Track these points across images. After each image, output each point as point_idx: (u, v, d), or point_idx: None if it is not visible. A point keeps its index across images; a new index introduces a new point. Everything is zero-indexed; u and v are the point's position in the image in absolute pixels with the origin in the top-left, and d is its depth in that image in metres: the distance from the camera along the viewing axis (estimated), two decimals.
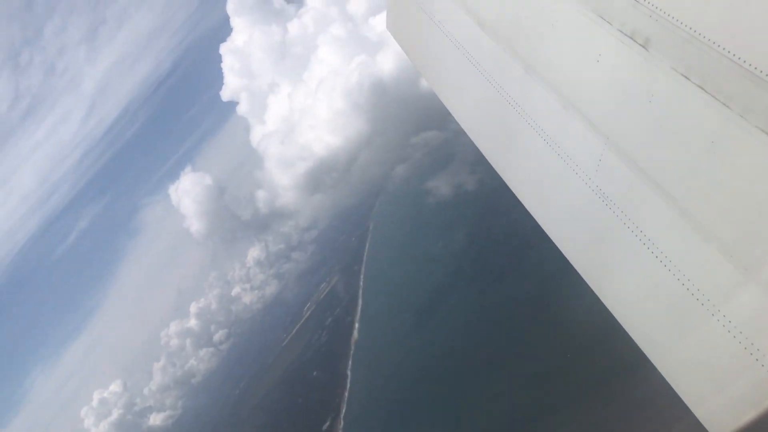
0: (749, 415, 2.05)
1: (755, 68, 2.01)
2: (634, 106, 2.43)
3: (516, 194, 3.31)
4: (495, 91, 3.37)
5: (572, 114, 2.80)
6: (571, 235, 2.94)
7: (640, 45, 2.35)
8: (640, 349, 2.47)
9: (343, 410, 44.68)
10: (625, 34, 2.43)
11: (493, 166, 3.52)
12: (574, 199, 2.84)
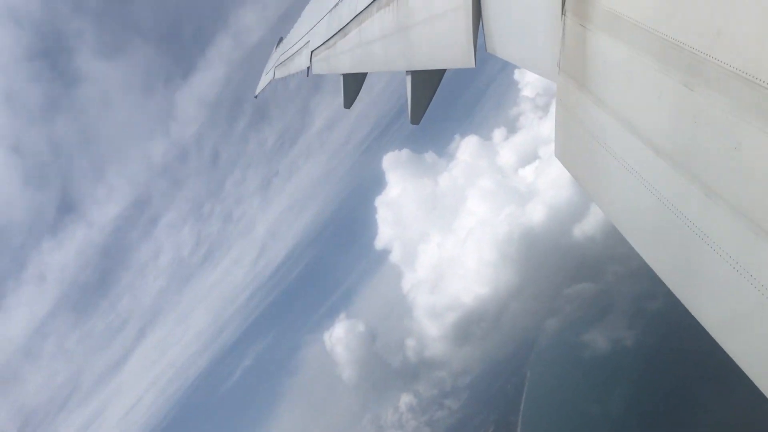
0: None
1: None
2: None
3: (702, 323, 3.03)
4: (675, 217, 3.22)
5: (765, 242, 2.60)
6: None
7: None
8: None
9: None
10: None
11: (675, 293, 3.28)
12: None
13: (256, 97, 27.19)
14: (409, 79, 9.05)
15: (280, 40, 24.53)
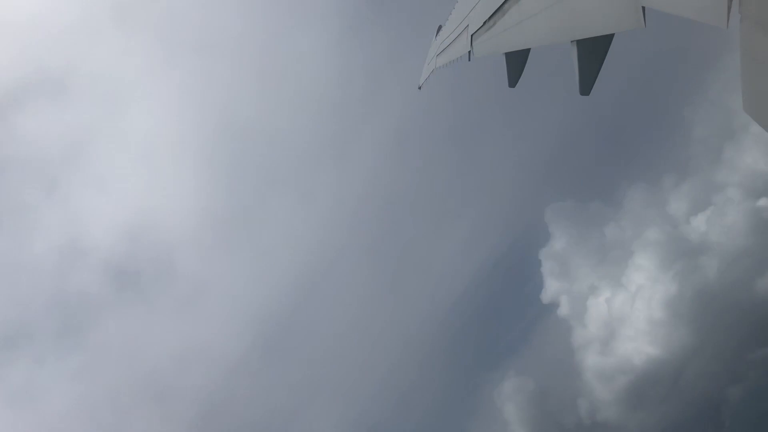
0: None
1: None
2: None
3: None
4: None
5: None
6: None
7: None
8: None
9: None
10: None
11: None
12: None
13: (419, 88, 27.67)
14: (574, 50, 8.70)
15: (439, 28, 24.71)
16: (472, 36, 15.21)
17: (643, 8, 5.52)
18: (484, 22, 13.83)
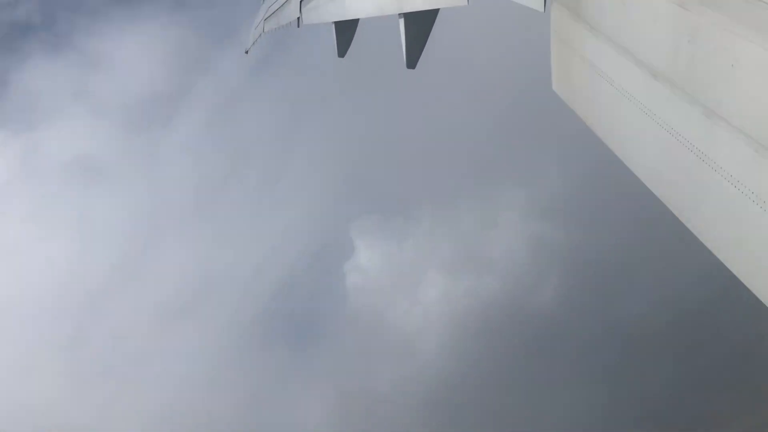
0: None
1: None
2: None
3: (707, 245, 3.06)
4: (675, 140, 3.23)
5: (764, 157, 2.60)
6: None
7: None
8: None
9: None
10: None
11: (679, 217, 3.31)
12: None
13: (246, 52, 26.69)
14: (402, 22, 8.89)
15: None
16: (301, 2, 14.91)
17: None
18: None
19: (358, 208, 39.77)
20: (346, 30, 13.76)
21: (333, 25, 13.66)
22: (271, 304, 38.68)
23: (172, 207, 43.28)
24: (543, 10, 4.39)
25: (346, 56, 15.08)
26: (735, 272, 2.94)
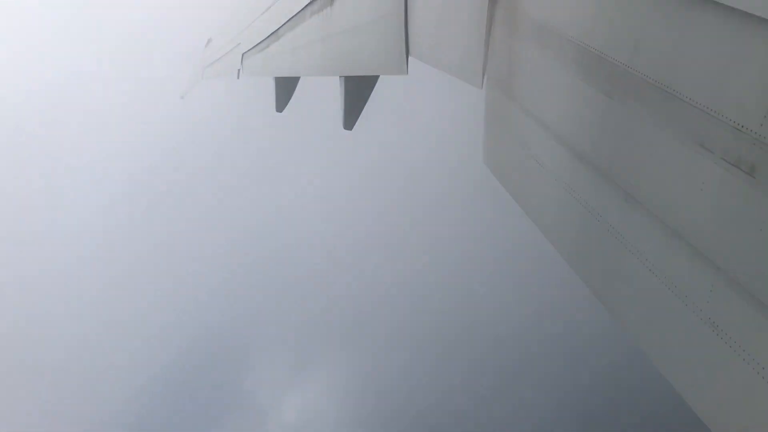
0: None
1: None
2: (744, 234, 2.34)
3: (623, 327, 3.20)
4: (595, 220, 3.37)
5: (678, 243, 2.72)
6: (682, 367, 2.80)
7: (746, 173, 2.30)
8: None
9: None
10: (729, 162, 2.36)
11: (598, 297, 3.44)
12: (683, 329, 2.72)
13: (182, 97, 26.43)
14: (342, 84, 9.04)
15: (209, 41, 24.00)
16: (243, 54, 14.97)
17: (407, 57, 5.94)
18: (257, 43, 13.71)
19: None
20: (286, 86, 13.86)
21: (273, 80, 13.73)
22: None
23: None
24: (481, 87, 4.55)
25: (284, 111, 15.15)
26: (651, 357, 3.01)
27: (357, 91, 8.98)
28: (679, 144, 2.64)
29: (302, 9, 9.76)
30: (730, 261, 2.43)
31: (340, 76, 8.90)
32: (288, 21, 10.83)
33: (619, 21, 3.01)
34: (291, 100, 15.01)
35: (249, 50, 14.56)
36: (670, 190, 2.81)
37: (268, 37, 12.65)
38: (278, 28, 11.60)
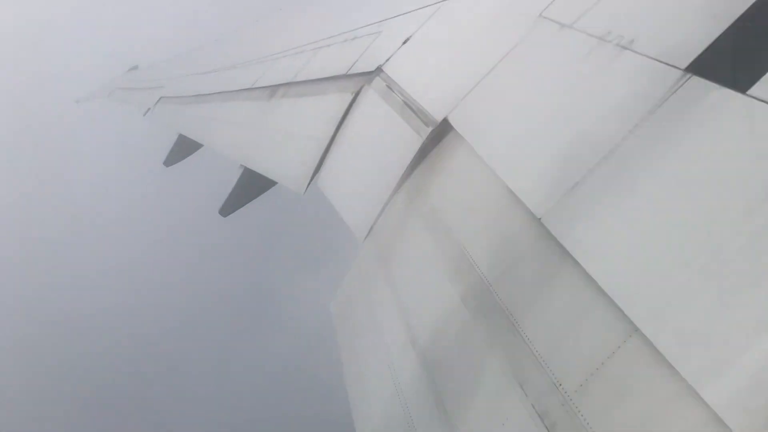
0: None
1: None
2: None
3: None
4: (402, 411, 3.41)
5: None
6: None
7: (546, 427, 2.41)
8: None
9: None
10: (536, 411, 2.49)
11: None
12: None
13: (77, 102, 25.12)
14: (240, 172, 8.97)
15: (135, 67, 23.48)
16: (161, 97, 14.67)
17: (310, 180, 6.06)
18: (181, 96, 13.54)
19: None
20: (186, 147, 13.57)
21: (178, 135, 13.42)
22: None
23: None
24: (363, 239, 4.66)
25: (170, 167, 14.68)
26: None
27: (249, 185, 8.95)
28: (502, 375, 2.78)
29: (240, 89, 9.89)
30: None
31: (241, 164, 8.87)
32: (221, 92, 10.88)
33: (499, 242, 3.26)
34: (181, 162, 14.67)
35: (169, 97, 14.32)
36: (476, 417, 2.90)
37: (195, 96, 12.58)
38: (208, 94, 11.59)
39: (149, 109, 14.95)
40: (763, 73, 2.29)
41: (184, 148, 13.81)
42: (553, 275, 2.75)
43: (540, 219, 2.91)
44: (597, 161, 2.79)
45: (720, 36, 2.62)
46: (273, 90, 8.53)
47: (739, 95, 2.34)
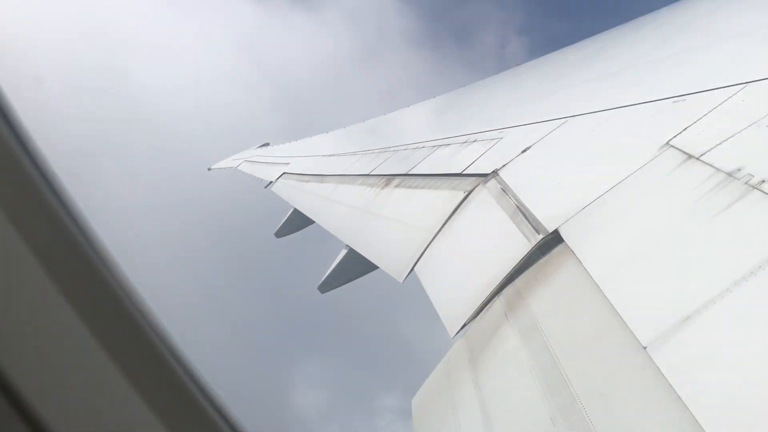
0: None
1: None
2: None
3: None
4: None
5: None
6: None
7: None
8: None
9: None
10: None
11: None
12: None
13: (209, 169, 27.28)
14: (344, 252, 9.25)
15: (266, 144, 25.38)
16: (284, 173, 15.63)
17: (411, 270, 6.14)
18: (302, 173, 14.40)
19: None
20: (298, 222, 14.23)
21: (293, 209, 14.14)
22: None
23: None
24: (453, 335, 4.61)
25: (281, 239, 15.37)
26: None
27: (351, 266, 9.17)
28: None
29: (357, 174, 10.37)
30: None
31: (346, 245, 9.15)
32: (339, 175, 11.46)
33: (598, 365, 3.12)
34: (293, 235, 15.37)
35: (291, 174, 15.26)
36: None
37: (314, 175, 13.32)
38: (328, 175, 12.23)
39: (271, 182, 15.96)
40: None
41: (296, 222, 14.49)
42: (653, 411, 2.59)
43: (645, 348, 2.78)
44: (711, 298, 2.67)
45: None
46: (389, 179, 8.87)
47: None
